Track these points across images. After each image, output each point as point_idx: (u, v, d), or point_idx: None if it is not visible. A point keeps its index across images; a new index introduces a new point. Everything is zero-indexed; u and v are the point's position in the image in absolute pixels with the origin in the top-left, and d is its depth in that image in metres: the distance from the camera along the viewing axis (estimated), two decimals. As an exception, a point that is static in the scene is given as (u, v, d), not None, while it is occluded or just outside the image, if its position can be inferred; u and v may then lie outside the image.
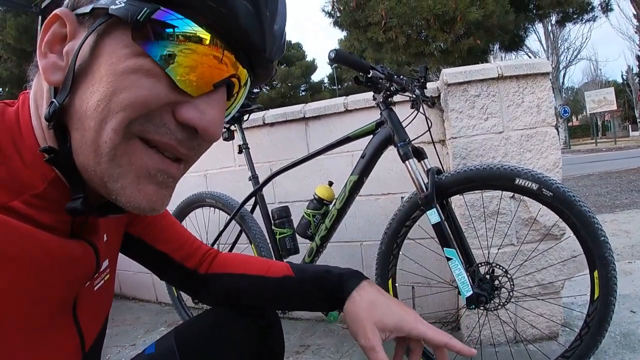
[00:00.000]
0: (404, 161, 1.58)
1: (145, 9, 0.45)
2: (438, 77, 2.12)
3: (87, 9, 0.48)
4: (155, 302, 3.28)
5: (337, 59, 1.49)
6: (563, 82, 30.38)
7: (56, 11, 0.50)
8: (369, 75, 1.56)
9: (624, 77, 40.51)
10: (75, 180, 0.52)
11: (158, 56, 0.47)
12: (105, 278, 0.70)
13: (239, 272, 0.92)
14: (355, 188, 1.75)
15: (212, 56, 0.49)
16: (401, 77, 1.65)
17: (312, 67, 32.21)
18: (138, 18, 0.45)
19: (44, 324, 0.54)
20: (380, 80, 1.60)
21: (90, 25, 0.48)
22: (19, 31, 16.14)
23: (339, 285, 0.83)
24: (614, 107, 28.91)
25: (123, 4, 0.46)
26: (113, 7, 0.46)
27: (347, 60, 1.53)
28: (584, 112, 39.44)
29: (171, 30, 0.46)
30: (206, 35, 0.48)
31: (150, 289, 3.28)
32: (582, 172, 10.18)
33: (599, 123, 37.83)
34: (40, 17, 0.52)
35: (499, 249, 1.87)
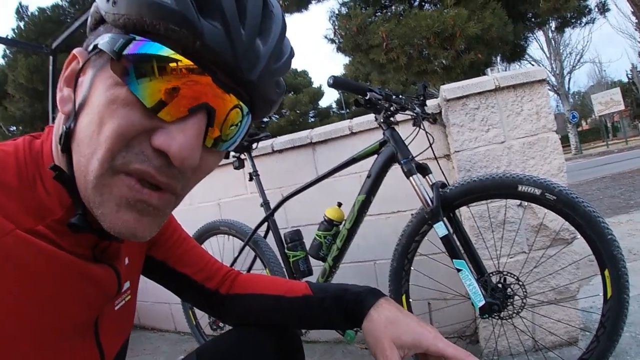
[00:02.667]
0: (408, 177, 1.61)
1: (121, 40, 0.48)
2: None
3: (91, 46, 0.53)
4: (174, 331, 3.31)
5: (336, 84, 1.55)
6: (569, 88, 30.21)
7: (73, 51, 0.55)
8: (367, 97, 1.62)
9: (629, 75, 40.24)
10: (76, 198, 0.54)
11: (132, 82, 0.48)
12: (127, 299, 0.74)
13: (260, 292, 0.95)
14: (363, 207, 1.79)
15: (185, 79, 0.49)
16: (400, 96, 1.70)
17: (319, 94, 32.48)
18: (115, 49, 0.48)
19: (65, 339, 0.58)
20: (379, 101, 1.65)
21: (93, 61, 0.53)
22: (30, 71, 16.64)
23: (357, 303, 0.84)
24: (622, 107, 28.59)
25: (107, 39, 0.49)
26: (101, 42, 0.50)
27: (345, 84, 1.59)
28: (593, 115, 39.07)
29: (145, 57, 0.48)
30: (178, 57, 0.48)
31: (168, 318, 3.31)
32: (595, 176, 10.08)
33: (609, 125, 37.43)
34: (51, 57, 0.57)
35: (510, 258, 1.88)
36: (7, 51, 18.88)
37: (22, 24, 17.63)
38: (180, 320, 3.13)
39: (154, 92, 0.48)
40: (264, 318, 0.94)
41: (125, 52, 0.48)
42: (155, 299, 3.28)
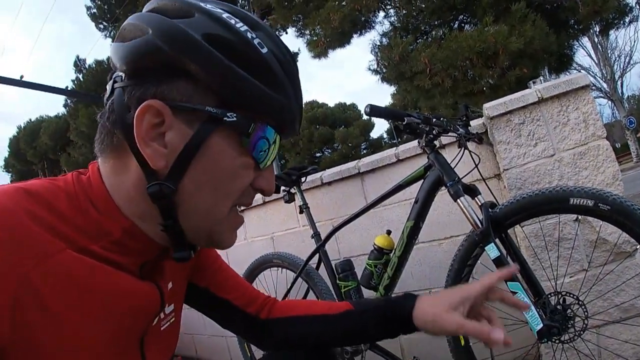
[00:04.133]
0: (455, 200, 1.58)
1: (253, 125, 0.63)
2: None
3: (186, 106, 0.60)
4: (230, 363, 3.38)
5: (372, 112, 1.56)
6: (622, 92, 28.03)
7: (149, 102, 0.59)
8: (405, 123, 1.61)
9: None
10: (178, 237, 0.67)
11: (255, 153, 0.66)
12: (171, 321, 0.81)
13: (301, 314, 0.99)
14: (412, 234, 1.76)
15: (277, 145, 0.70)
16: (441, 118, 1.69)
17: (369, 125, 32.31)
18: (248, 131, 0.63)
19: (115, 351, 0.64)
20: (419, 125, 1.64)
21: (190, 121, 0.61)
22: (91, 119, 17.83)
23: (397, 307, 0.90)
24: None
25: (236, 118, 0.62)
26: (227, 119, 0.61)
27: (382, 112, 1.60)
28: (652, 118, 36.41)
29: (263, 137, 0.65)
30: (277, 136, 0.68)
31: (224, 351, 3.37)
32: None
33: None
34: None
35: (570, 277, 1.78)
36: (68, 101, 20.25)
37: (80, 76, 18.86)
38: (235, 353, 3.17)
39: (266, 157, 0.68)
40: (306, 339, 0.98)
41: (253, 131, 0.64)
42: (211, 332, 3.36)
